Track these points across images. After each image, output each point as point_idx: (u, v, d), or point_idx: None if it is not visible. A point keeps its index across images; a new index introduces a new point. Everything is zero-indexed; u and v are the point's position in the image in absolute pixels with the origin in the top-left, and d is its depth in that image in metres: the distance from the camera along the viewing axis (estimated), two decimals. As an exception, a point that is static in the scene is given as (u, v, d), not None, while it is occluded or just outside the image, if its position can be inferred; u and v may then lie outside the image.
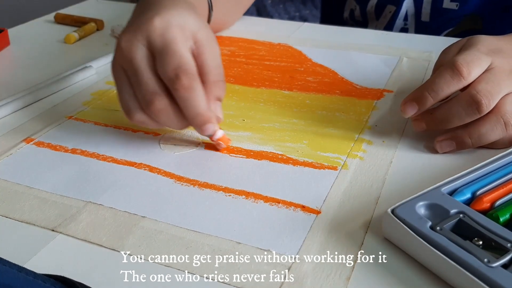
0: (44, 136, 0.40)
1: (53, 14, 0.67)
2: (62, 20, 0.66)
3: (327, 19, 0.78)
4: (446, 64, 0.36)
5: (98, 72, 0.51)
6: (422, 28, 0.65)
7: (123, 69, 0.35)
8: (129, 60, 0.34)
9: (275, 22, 0.66)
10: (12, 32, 0.62)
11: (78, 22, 0.64)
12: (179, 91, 0.33)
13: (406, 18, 0.66)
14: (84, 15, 0.66)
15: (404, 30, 0.67)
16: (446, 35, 0.64)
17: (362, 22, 0.70)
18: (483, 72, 0.35)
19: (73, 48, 0.59)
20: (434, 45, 0.55)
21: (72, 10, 0.70)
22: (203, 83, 0.34)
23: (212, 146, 0.38)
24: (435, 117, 0.36)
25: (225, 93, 0.36)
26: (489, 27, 0.61)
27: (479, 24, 0.63)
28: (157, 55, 0.33)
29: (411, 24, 0.66)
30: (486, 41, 0.38)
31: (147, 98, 0.33)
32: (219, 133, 0.36)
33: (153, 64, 0.34)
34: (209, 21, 0.52)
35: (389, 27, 0.67)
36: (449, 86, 0.35)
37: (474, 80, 0.35)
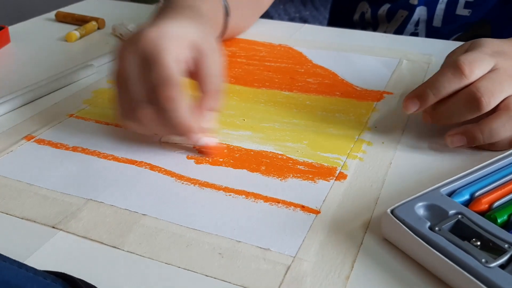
0: (45, 133, 0.40)
1: (54, 12, 0.67)
2: (63, 18, 0.66)
3: (336, 20, 0.78)
4: (449, 63, 0.37)
5: (99, 70, 0.52)
6: (432, 33, 0.66)
7: (117, 76, 0.36)
8: (121, 68, 0.35)
9: (276, 23, 0.66)
10: (12, 29, 0.62)
11: (79, 21, 0.64)
12: (160, 101, 0.33)
13: (417, 23, 0.66)
14: (85, 13, 0.66)
15: (414, 34, 0.67)
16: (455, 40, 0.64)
17: (372, 24, 0.71)
18: (487, 73, 0.36)
19: (74, 47, 0.59)
20: (434, 47, 0.56)
21: (73, 9, 0.70)
22: (201, 92, 0.35)
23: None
24: (438, 113, 0.37)
25: (219, 104, 0.37)
26: (497, 34, 0.62)
27: (487, 30, 0.63)
28: (145, 63, 0.34)
29: (422, 29, 0.67)
30: (491, 43, 0.38)
31: (132, 106, 0.35)
32: (204, 141, 0.36)
33: (142, 74, 0.34)
34: (226, 26, 0.52)
35: (399, 31, 0.68)
36: (451, 84, 0.36)
37: (477, 79, 0.35)
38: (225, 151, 0.37)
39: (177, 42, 0.34)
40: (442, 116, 0.37)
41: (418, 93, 0.37)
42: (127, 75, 0.34)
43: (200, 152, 0.37)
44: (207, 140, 0.36)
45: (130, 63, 0.34)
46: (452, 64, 0.36)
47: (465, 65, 0.35)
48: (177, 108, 0.33)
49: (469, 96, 0.35)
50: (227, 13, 0.49)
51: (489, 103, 0.34)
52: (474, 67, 0.35)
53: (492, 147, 0.37)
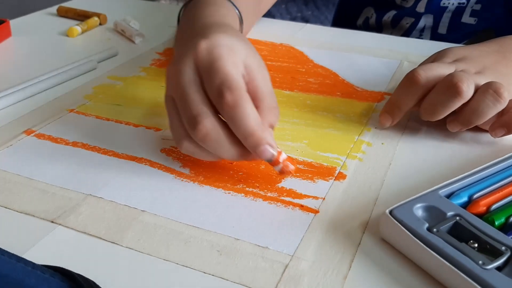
0: (45, 128, 0.40)
1: (56, 7, 0.67)
2: (64, 13, 0.66)
3: (339, 24, 0.78)
4: (406, 75, 0.38)
5: (100, 66, 0.52)
6: (437, 40, 0.66)
7: (172, 99, 0.32)
8: (175, 86, 0.32)
9: (278, 22, 0.66)
10: (13, 23, 0.62)
11: (81, 16, 0.64)
12: (224, 109, 0.30)
13: (422, 30, 0.67)
14: (87, 9, 0.66)
15: None
16: None
17: (376, 29, 0.71)
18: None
19: (76, 42, 0.59)
20: (435, 50, 0.56)
21: (75, 4, 0.70)
22: (257, 109, 0.31)
23: None
24: (423, 110, 0.38)
25: (278, 119, 0.33)
26: None
27: (492, 38, 0.64)
28: (204, 74, 0.31)
29: (427, 36, 0.67)
30: (452, 52, 0.40)
31: (192, 120, 0.30)
32: (282, 156, 0.31)
33: (201, 87, 0.31)
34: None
35: (404, 37, 0.68)
36: (409, 96, 0.38)
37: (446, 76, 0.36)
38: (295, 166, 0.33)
39: (230, 52, 0.32)
40: (428, 111, 0.37)
41: (387, 110, 0.40)
42: (182, 89, 0.31)
43: (280, 171, 0.32)
44: (283, 156, 0.31)
45: (184, 78, 0.31)
46: (408, 75, 0.38)
47: (419, 73, 0.37)
48: (243, 115, 0.29)
49: (446, 83, 0.35)
50: (241, 22, 0.47)
51: (468, 88, 0.35)
52: (429, 74, 0.37)
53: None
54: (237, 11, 0.47)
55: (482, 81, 0.36)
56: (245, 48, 0.33)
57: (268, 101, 0.32)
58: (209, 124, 0.30)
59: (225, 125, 0.31)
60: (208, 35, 0.32)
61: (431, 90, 0.37)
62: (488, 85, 0.35)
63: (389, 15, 0.68)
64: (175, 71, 0.32)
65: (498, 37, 0.45)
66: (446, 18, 0.64)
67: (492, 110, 0.35)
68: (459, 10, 0.64)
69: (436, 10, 0.65)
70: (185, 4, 0.47)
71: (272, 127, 0.33)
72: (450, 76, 0.35)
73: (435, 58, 0.41)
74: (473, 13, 0.63)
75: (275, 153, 0.31)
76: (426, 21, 0.66)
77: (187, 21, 0.42)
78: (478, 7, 0.63)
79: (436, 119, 0.37)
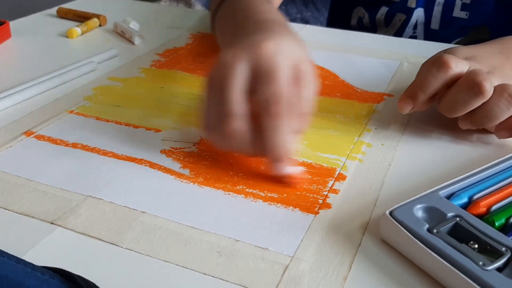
0: (45, 129, 0.40)
1: (56, 8, 0.67)
2: (64, 14, 0.66)
3: (334, 25, 0.78)
4: (432, 60, 0.38)
5: (100, 67, 0.52)
6: (431, 36, 0.66)
7: (217, 82, 0.33)
8: (226, 75, 0.32)
9: (277, 23, 0.66)
10: (13, 24, 0.62)
11: (80, 17, 0.64)
12: (270, 115, 0.31)
13: (415, 26, 0.67)
14: (86, 10, 0.66)
15: (413, 37, 0.67)
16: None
17: (371, 28, 0.71)
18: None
19: (75, 43, 0.59)
20: (435, 50, 0.56)
21: (74, 5, 0.70)
22: None
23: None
24: (443, 106, 0.37)
25: (306, 127, 0.34)
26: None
27: (486, 34, 0.64)
28: (260, 77, 0.32)
29: (420, 32, 0.67)
30: (461, 51, 0.40)
31: (224, 116, 0.32)
32: (290, 170, 0.33)
33: (248, 88, 0.32)
34: None
35: (398, 34, 0.68)
36: (437, 79, 0.36)
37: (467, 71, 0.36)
38: (308, 176, 0.34)
39: (289, 61, 0.33)
40: (447, 108, 0.37)
41: (409, 94, 0.38)
42: (230, 82, 0.32)
43: (281, 181, 0.34)
44: (293, 169, 0.33)
45: (237, 71, 0.32)
46: (435, 59, 0.37)
47: (449, 59, 0.36)
48: (281, 128, 0.31)
49: (468, 81, 0.35)
50: None
51: (491, 87, 0.34)
52: (457, 61, 0.36)
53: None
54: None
55: (494, 81, 0.36)
56: (301, 53, 0.34)
57: (301, 107, 0.33)
58: (238, 126, 0.32)
59: (253, 128, 0.32)
60: (273, 36, 0.33)
61: (452, 86, 0.36)
62: (503, 89, 0.35)
63: (382, 13, 0.68)
64: (233, 59, 0.32)
65: (493, 35, 0.45)
66: (437, 13, 0.64)
67: (505, 114, 0.35)
68: (449, 3, 0.64)
69: (426, 3, 0.65)
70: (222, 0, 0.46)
71: (298, 132, 0.33)
72: (473, 74, 0.35)
73: None
74: (464, 7, 0.63)
75: (287, 170, 0.33)
76: (417, 16, 0.66)
77: (238, 14, 0.41)
78: (468, 0, 0.63)
79: (455, 116, 0.37)
